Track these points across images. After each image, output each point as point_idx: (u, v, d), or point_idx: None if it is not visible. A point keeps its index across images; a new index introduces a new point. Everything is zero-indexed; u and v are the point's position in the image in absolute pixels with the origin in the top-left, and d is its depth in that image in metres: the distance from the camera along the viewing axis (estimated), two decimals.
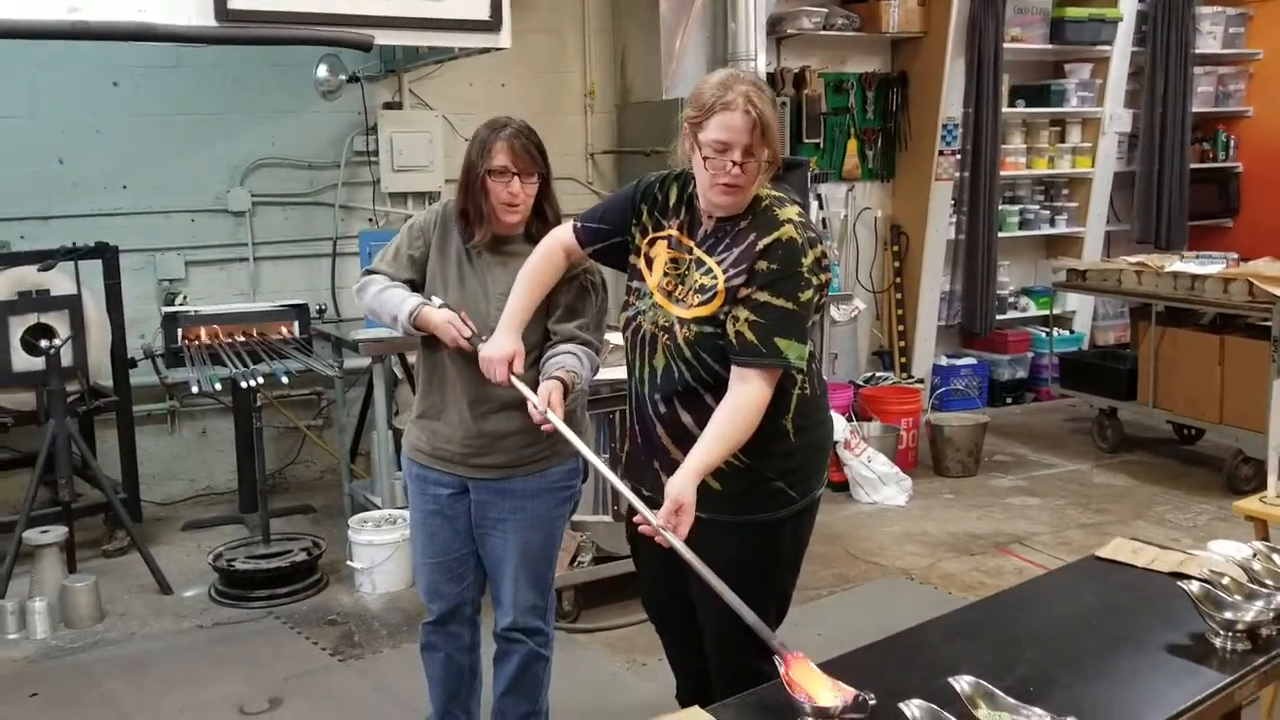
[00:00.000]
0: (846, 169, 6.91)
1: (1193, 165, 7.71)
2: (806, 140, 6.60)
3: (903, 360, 7.09)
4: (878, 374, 6.73)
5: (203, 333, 4.99)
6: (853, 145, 6.93)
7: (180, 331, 4.97)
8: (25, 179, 5.15)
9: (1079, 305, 7.68)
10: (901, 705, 1.78)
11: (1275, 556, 2.46)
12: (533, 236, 2.77)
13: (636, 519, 2.28)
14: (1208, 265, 5.78)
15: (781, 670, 1.92)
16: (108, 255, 4.90)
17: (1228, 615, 2.18)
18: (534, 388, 2.62)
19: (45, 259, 4.66)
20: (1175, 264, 5.91)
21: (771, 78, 6.41)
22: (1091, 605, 2.47)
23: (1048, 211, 7.58)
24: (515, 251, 2.80)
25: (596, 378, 3.11)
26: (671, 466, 2.34)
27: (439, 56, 5.49)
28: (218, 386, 4.49)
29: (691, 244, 2.44)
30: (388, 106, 5.77)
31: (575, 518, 3.90)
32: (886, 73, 6.98)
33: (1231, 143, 8.20)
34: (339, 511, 5.22)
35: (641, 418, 2.52)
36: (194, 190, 5.50)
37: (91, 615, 4.24)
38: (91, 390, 4.78)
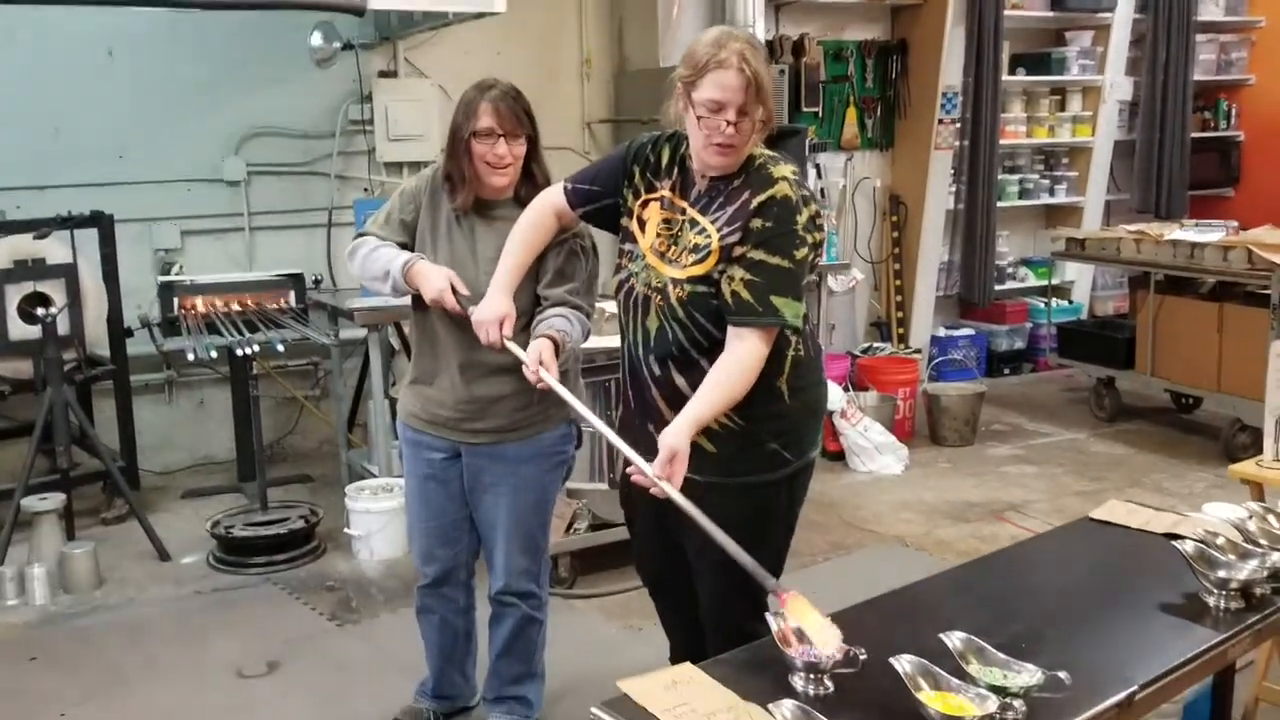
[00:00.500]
0: (845, 138, 6.86)
1: (1194, 134, 7.66)
2: (805, 109, 6.52)
3: (900, 331, 7.07)
4: (875, 345, 6.72)
5: (199, 302, 5.01)
6: (851, 114, 6.89)
7: (176, 301, 4.99)
8: (21, 148, 5.12)
9: (1077, 275, 7.65)
10: (892, 660, 1.79)
11: (1270, 517, 2.46)
12: (521, 200, 2.76)
13: (630, 470, 2.25)
14: (1207, 233, 5.74)
15: (776, 605, 1.94)
16: (103, 224, 4.89)
17: (1221, 574, 2.18)
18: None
19: (41, 228, 4.65)
20: (1175, 232, 5.88)
21: (770, 45, 6.35)
22: (1085, 565, 2.48)
23: (1047, 181, 7.54)
24: (504, 215, 2.78)
25: (592, 345, 3.11)
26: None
27: (434, 23, 5.45)
28: (214, 355, 4.50)
29: (685, 204, 2.42)
30: (383, 75, 5.74)
31: (571, 485, 3.93)
32: (886, 40, 6.93)
33: (1233, 111, 8.14)
34: (336, 481, 5.22)
35: (635, 380, 2.51)
36: (190, 160, 5.48)
37: (90, 582, 4.25)
38: (88, 359, 4.78)
